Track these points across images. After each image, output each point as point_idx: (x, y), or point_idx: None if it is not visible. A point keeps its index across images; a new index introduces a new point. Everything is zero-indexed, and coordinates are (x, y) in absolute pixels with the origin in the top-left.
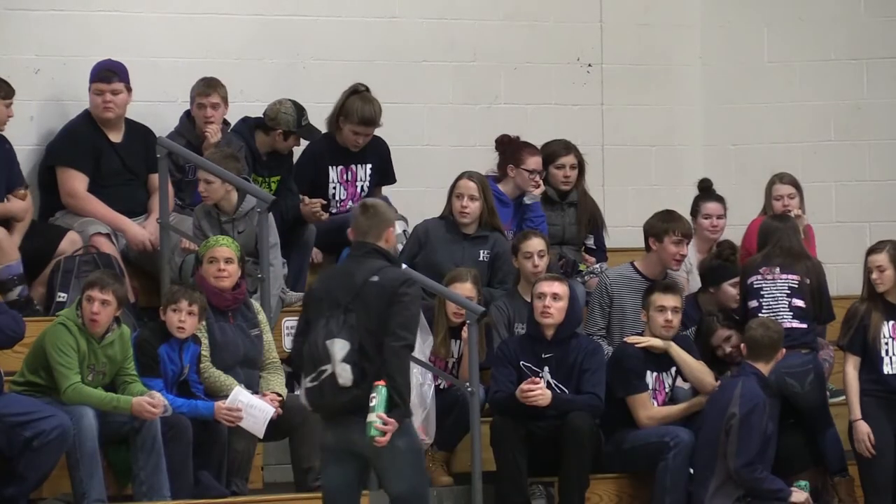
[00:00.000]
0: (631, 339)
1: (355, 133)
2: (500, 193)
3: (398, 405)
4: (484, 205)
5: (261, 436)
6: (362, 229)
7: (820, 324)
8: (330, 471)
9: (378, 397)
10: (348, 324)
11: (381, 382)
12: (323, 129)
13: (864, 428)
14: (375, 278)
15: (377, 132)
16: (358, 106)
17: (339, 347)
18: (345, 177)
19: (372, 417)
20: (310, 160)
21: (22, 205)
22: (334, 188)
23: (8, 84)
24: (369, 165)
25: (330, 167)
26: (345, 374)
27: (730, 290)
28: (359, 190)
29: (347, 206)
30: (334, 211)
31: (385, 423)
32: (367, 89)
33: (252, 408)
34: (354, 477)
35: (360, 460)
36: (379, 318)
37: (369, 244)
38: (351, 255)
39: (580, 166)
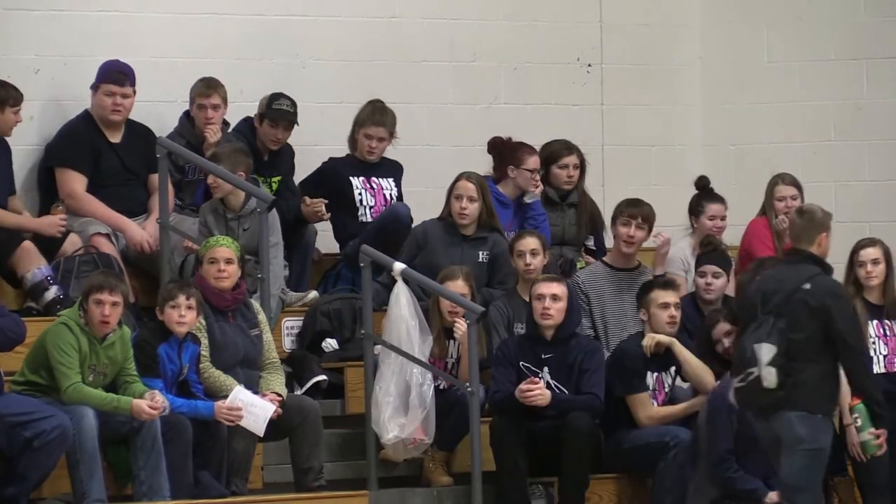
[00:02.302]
0: (644, 342)
1: (368, 136)
2: (499, 195)
3: (880, 414)
4: (483, 206)
5: (261, 434)
6: (796, 234)
7: None
8: None
9: (860, 416)
10: (777, 328)
11: (856, 401)
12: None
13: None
14: (807, 286)
15: (394, 156)
16: (368, 110)
17: (766, 351)
18: (369, 185)
19: (865, 437)
20: (328, 171)
21: (53, 220)
22: (360, 194)
23: (17, 90)
24: (391, 179)
25: (351, 177)
26: (769, 378)
27: (698, 279)
28: (388, 197)
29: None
30: (365, 219)
31: (878, 437)
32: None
33: (252, 406)
34: None
35: None
36: (805, 325)
37: (804, 251)
38: (786, 261)
39: (582, 166)
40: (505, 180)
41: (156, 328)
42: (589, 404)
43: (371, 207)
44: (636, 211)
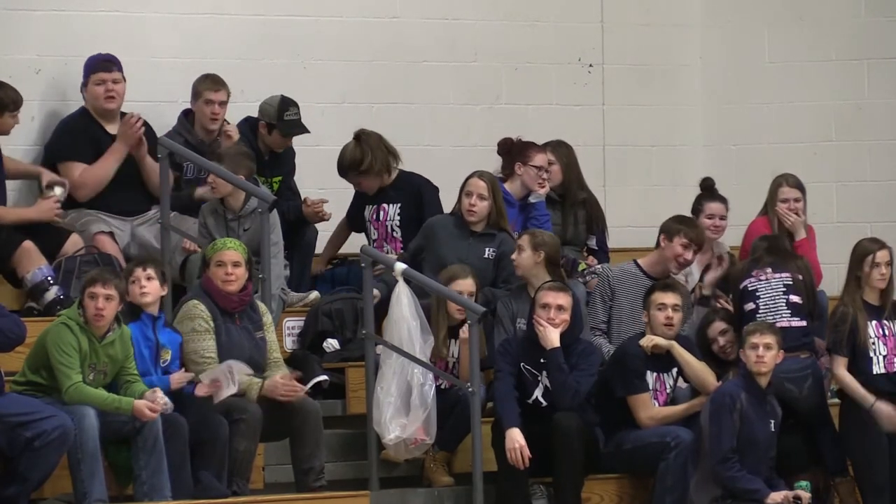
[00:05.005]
0: (641, 342)
1: (358, 185)
2: (506, 194)
3: None
4: (493, 205)
5: (237, 388)
6: None
7: (813, 320)
8: None
9: None
10: None
11: None
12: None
13: (886, 406)
14: None
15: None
16: (341, 153)
17: None
18: (375, 216)
19: None
20: (356, 195)
21: (48, 205)
22: (368, 225)
23: (17, 93)
24: (398, 205)
25: (367, 205)
26: None
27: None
28: (388, 230)
29: (383, 248)
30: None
31: None
32: (361, 136)
33: (217, 381)
34: None
35: None
36: None
37: None
38: None
39: (567, 163)
40: (512, 179)
41: (126, 309)
42: (575, 389)
43: (374, 241)
44: (698, 237)
